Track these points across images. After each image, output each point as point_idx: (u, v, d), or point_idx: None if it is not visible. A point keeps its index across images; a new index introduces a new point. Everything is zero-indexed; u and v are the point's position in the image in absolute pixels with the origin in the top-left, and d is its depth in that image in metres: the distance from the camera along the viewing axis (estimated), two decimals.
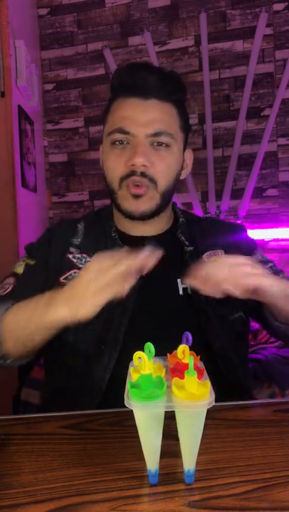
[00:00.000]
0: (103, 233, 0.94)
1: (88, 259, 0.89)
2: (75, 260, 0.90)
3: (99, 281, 0.65)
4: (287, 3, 2.35)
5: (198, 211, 2.46)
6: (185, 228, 0.96)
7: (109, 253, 0.68)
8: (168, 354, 0.64)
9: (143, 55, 2.53)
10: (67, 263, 0.90)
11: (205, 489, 0.52)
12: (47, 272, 0.91)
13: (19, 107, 2.10)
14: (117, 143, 0.87)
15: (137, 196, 0.86)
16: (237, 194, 2.46)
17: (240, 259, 0.71)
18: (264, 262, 0.97)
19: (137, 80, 0.85)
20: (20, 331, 0.76)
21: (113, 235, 0.92)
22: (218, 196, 2.47)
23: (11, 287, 0.90)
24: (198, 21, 2.44)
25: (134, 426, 0.53)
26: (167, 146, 0.86)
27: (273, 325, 0.86)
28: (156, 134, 0.85)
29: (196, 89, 2.48)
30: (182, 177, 0.96)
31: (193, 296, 0.87)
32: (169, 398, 0.52)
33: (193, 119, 2.51)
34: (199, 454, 0.54)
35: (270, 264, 0.98)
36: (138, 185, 0.85)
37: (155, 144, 0.86)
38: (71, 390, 0.86)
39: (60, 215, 2.71)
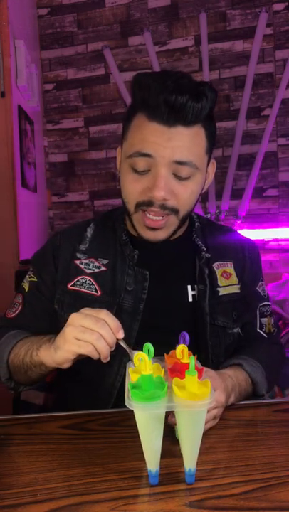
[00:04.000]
0: (114, 236, 0.92)
1: (96, 263, 0.89)
2: (82, 266, 0.89)
3: (75, 335, 0.66)
4: (287, 3, 2.35)
5: (198, 211, 2.46)
6: (200, 233, 0.94)
7: (94, 311, 0.67)
8: (165, 354, 0.64)
9: (143, 55, 2.53)
10: (74, 269, 0.89)
11: (205, 489, 0.52)
12: (53, 284, 0.91)
13: (19, 107, 2.10)
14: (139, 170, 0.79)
15: (153, 228, 0.82)
16: (237, 194, 2.46)
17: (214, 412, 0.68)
18: (261, 299, 0.96)
19: (162, 104, 0.73)
20: (20, 368, 0.82)
21: (124, 238, 0.89)
22: (218, 196, 2.47)
23: (19, 308, 0.93)
24: (198, 21, 2.44)
25: (134, 426, 0.53)
26: (191, 176, 0.79)
27: None
28: (180, 163, 0.76)
29: None
30: (204, 190, 0.88)
31: (199, 304, 0.87)
32: (170, 398, 0.52)
33: None
34: (199, 454, 0.54)
35: (267, 303, 0.97)
36: (156, 219, 0.80)
37: (178, 175, 0.78)
38: (83, 398, 0.87)
39: (60, 215, 2.71)
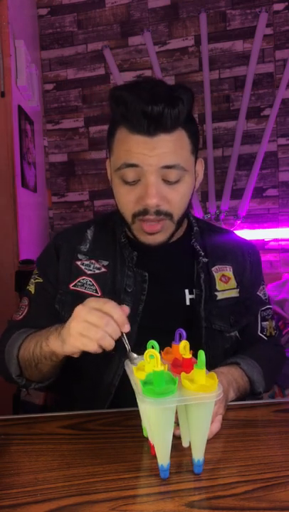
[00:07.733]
0: (113, 238, 0.93)
1: (96, 264, 0.90)
2: (83, 267, 0.90)
3: (79, 331, 0.67)
4: (287, 3, 2.35)
5: (198, 211, 2.46)
6: (199, 237, 0.94)
7: (101, 301, 0.68)
8: (161, 351, 0.65)
9: (143, 55, 2.53)
10: (75, 270, 0.90)
11: (205, 489, 0.52)
12: (57, 284, 0.92)
13: (19, 107, 2.10)
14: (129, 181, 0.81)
15: (152, 233, 0.83)
16: (237, 194, 2.46)
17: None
18: (262, 304, 0.96)
19: (140, 116, 0.75)
20: (30, 362, 0.82)
21: (123, 240, 0.90)
22: (218, 196, 2.47)
23: (25, 310, 0.94)
24: (198, 21, 2.44)
25: (134, 426, 0.53)
26: (180, 179, 0.81)
27: None
28: (168, 167, 0.78)
29: (196, 89, 2.48)
30: (196, 189, 0.89)
31: (197, 307, 0.87)
32: (180, 392, 0.53)
33: None
34: None
35: (268, 307, 0.98)
36: (153, 225, 0.82)
37: (167, 179, 0.79)
38: (83, 396, 0.88)
39: (60, 215, 2.71)
